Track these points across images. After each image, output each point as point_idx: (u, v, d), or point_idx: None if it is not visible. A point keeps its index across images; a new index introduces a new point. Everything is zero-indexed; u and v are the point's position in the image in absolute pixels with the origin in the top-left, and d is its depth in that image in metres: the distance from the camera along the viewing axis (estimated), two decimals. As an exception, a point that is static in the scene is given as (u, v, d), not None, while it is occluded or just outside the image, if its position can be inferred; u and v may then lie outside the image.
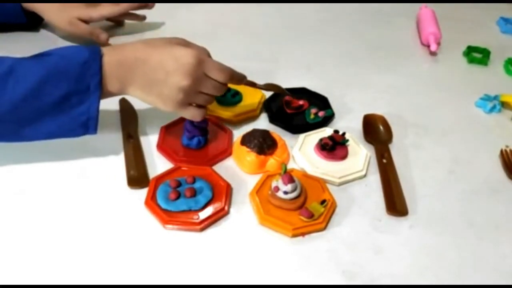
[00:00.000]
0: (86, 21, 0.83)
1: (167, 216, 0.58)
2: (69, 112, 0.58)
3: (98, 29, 0.84)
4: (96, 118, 0.60)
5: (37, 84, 0.56)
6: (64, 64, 0.58)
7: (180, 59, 0.59)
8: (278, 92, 0.73)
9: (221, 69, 0.62)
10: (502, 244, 0.61)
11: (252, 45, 0.92)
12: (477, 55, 0.95)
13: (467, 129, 0.79)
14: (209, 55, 0.64)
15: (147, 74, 0.60)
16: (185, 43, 0.63)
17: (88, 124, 0.60)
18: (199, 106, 0.64)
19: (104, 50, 0.60)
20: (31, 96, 0.56)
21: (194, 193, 0.60)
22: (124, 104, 0.74)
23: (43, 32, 0.89)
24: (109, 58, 0.59)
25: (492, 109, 0.81)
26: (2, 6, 0.80)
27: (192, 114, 0.63)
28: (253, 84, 0.69)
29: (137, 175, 0.63)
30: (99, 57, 0.58)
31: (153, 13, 0.91)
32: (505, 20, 1.06)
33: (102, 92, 0.59)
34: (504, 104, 0.82)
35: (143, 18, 0.91)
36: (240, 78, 0.66)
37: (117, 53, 0.60)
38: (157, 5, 0.90)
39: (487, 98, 0.82)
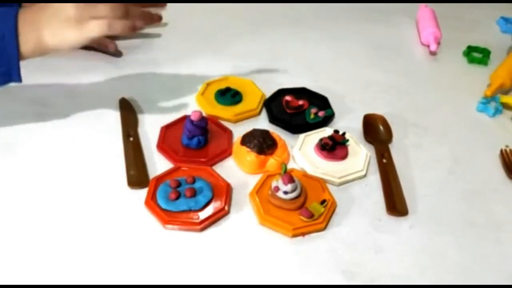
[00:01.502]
0: None
1: (167, 216, 0.58)
2: None
3: (106, 39, 0.82)
4: (17, 65, 0.61)
5: None
6: None
7: None
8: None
9: None
10: (502, 244, 0.61)
11: (252, 45, 0.92)
12: (477, 55, 0.95)
13: (467, 129, 0.79)
14: None
15: (49, 9, 0.61)
16: None
17: (10, 73, 0.62)
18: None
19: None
20: None
21: (194, 193, 0.60)
22: (124, 104, 0.74)
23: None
24: (24, 9, 0.61)
25: (495, 113, 0.81)
26: None
27: (97, 27, 0.61)
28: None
29: (137, 175, 0.63)
30: (14, 9, 0.60)
31: (153, 13, 0.91)
32: (505, 20, 1.06)
33: (20, 42, 0.60)
34: (504, 105, 0.82)
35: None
36: None
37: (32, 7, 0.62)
38: (158, 5, 0.90)
39: (486, 101, 0.82)
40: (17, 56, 0.61)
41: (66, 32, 0.61)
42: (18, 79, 0.63)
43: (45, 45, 0.62)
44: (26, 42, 0.61)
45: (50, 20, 0.61)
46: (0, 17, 0.60)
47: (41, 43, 0.61)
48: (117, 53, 0.84)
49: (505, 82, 0.84)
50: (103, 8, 0.62)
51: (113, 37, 0.86)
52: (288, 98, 0.76)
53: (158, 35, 0.90)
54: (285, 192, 0.60)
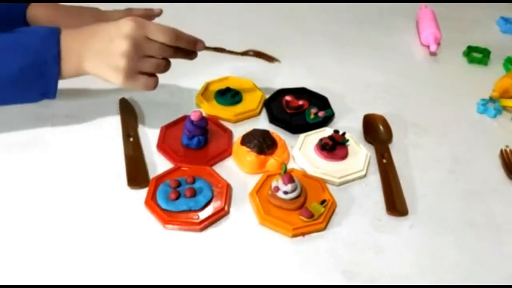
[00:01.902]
0: None
1: (167, 216, 0.58)
2: (27, 87, 0.60)
3: None
4: (55, 87, 0.62)
5: None
6: (23, 38, 0.60)
7: (120, 24, 0.60)
8: (263, 59, 0.72)
9: (163, 29, 0.61)
10: (502, 244, 0.61)
11: (252, 45, 0.91)
12: (477, 55, 0.95)
13: (467, 129, 0.79)
14: None
15: (96, 44, 0.61)
16: None
17: (47, 92, 0.62)
18: (151, 75, 0.63)
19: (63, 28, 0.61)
20: None
21: (194, 193, 0.60)
22: (124, 104, 0.74)
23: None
24: (66, 33, 0.61)
25: (496, 114, 0.81)
26: (7, 16, 0.79)
27: (144, 83, 0.62)
28: (224, 50, 0.68)
29: (137, 175, 0.63)
30: (57, 32, 0.60)
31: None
32: (505, 20, 1.06)
33: (61, 68, 0.60)
34: (503, 108, 0.82)
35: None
36: (193, 41, 0.65)
37: (74, 30, 0.62)
38: (158, 5, 0.89)
39: (485, 102, 0.82)
40: (57, 79, 0.61)
41: (110, 75, 0.61)
42: (53, 96, 0.63)
43: (85, 72, 0.62)
44: (67, 67, 0.61)
45: (97, 58, 0.61)
46: (43, 41, 0.60)
47: (81, 70, 0.62)
48: None
49: (510, 88, 0.83)
50: (151, 64, 0.62)
51: None
52: (288, 98, 0.76)
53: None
54: (285, 192, 0.60)
